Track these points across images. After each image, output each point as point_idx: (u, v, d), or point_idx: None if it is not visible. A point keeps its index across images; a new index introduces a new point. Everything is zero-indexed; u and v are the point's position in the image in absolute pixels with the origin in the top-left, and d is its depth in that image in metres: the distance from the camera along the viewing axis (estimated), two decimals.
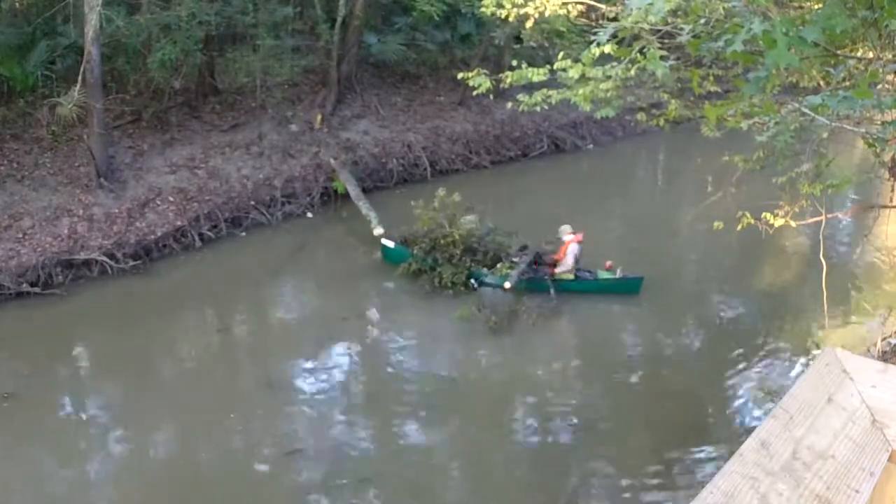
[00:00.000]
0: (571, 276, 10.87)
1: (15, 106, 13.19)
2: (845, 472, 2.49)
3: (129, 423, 8.21)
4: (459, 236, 10.93)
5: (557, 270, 10.88)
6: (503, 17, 7.94)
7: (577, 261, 10.85)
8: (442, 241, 10.93)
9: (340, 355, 9.78)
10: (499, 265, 10.96)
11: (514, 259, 11.09)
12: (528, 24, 7.81)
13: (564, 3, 7.52)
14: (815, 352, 9.64)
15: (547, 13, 7.54)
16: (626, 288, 10.97)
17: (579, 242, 10.86)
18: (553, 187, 16.49)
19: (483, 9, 8.17)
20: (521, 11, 7.68)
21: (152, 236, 11.90)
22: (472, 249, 11.11)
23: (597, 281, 10.95)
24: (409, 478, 7.56)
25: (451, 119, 17.36)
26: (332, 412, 8.50)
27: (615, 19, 6.16)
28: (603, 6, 7.14)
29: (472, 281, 10.81)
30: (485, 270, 10.95)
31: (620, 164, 18.86)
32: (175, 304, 10.87)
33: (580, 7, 7.60)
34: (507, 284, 10.46)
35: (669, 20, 5.77)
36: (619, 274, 10.96)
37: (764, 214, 8.83)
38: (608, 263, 11.07)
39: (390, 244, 11.68)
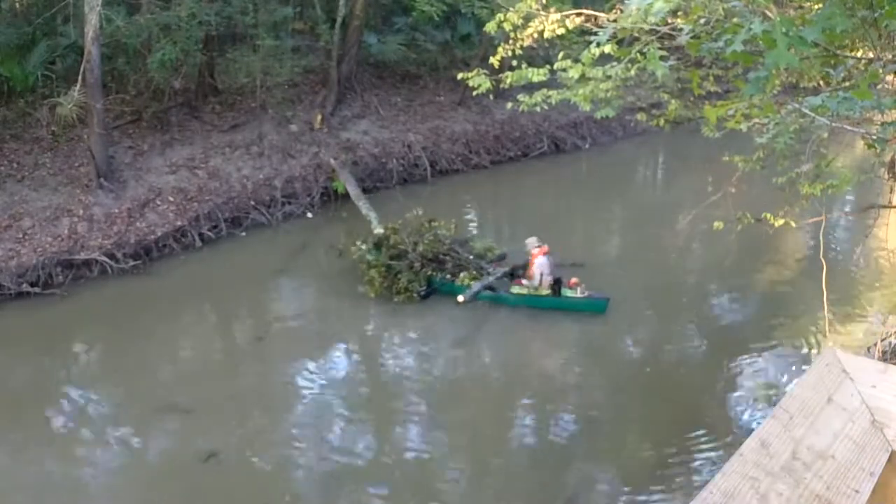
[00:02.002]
0: (546, 292, 10.47)
1: (15, 106, 13.20)
2: (845, 472, 2.49)
3: (128, 422, 8.20)
4: (424, 248, 10.81)
5: (525, 283, 10.56)
6: (507, 31, 7.92)
7: (547, 274, 10.44)
8: (406, 249, 10.80)
9: (336, 357, 9.77)
10: (462, 274, 10.70)
11: (488, 269, 10.82)
12: (528, 42, 7.80)
13: (564, 17, 7.52)
14: (815, 352, 9.64)
15: (546, 34, 7.55)
16: (590, 308, 10.44)
17: (545, 254, 10.50)
18: (553, 187, 16.50)
19: (487, 28, 8.18)
20: (522, 35, 7.67)
21: (152, 236, 11.90)
22: (440, 260, 10.92)
23: (559, 299, 10.46)
24: (413, 479, 7.56)
25: (451, 119, 17.37)
26: (330, 413, 8.50)
27: (615, 20, 6.16)
28: (602, 15, 7.14)
29: (421, 289, 10.55)
30: (448, 277, 10.74)
31: (620, 165, 18.86)
32: (175, 304, 10.87)
33: (578, 20, 7.60)
34: (461, 298, 10.10)
35: (669, 20, 5.77)
36: (580, 293, 10.45)
37: (764, 214, 8.84)
38: (573, 280, 10.63)
39: (362, 248, 11.30)
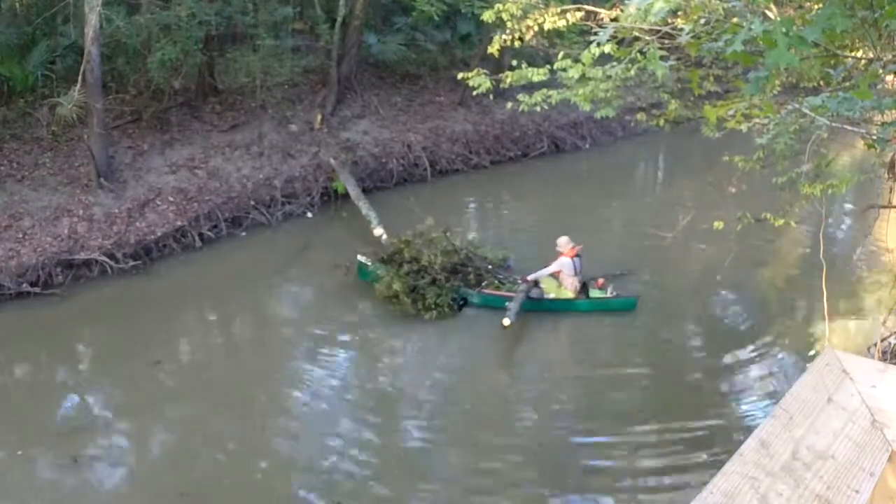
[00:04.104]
0: (569, 295, 10.47)
1: (15, 106, 13.19)
2: (845, 472, 2.49)
3: (129, 423, 8.20)
4: (441, 261, 10.44)
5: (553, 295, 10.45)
6: (505, 25, 7.92)
7: (571, 275, 10.40)
8: (426, 264, 10.42)
9: (338, 359, 9.74)
10: (483, 284, 10.55)
11: (500, 277, 10.73)
12: (528, 35, 7.81)
13: (563, 11, 7.53)
14: (815, 352, 9.63)
15: (546, 26, 7.55)
16: (621, 307, 10.47)
17: (573, 257, 10.39)
18: (553, 188, 16.49)
19: (484, 17, 8.17)
20: (521, 25, 7.68)
21: (152, 236, 11.90)
22: (457, 271, 10.61)
23: (590, 301, 10.48)
24: (411, 481, 7.57)
25: (451, 119, 17.38)
26: (331, 415, 8.49)
27: (616, 19, 6.17)
28: (602, 11, 7.15)
29: (459, 301, 10.32)
30: (480, 288, 10.54)
31: (620, 165, 18.86)
32: (175, 304, 10.86)
33: (578, 14, 7.60)
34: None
35: (669, 20, 5.78)
36: (610, 293, 10.52)
37: (764, 214, 8.83)
38: (600, 281, 10.65)
39: (367, 262, 10.97)
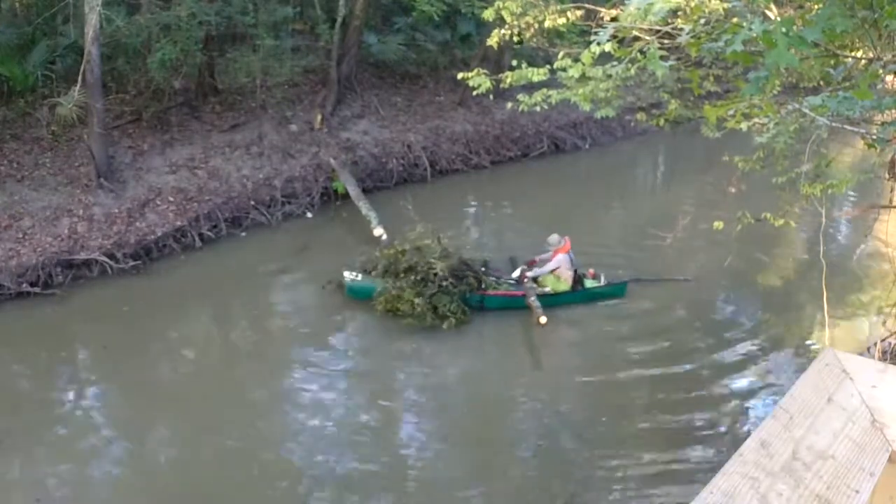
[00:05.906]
0: (564, 288, 10.68)
1: (15, 106, 13.19)
2: (845, 472, 2.49)
3: (128, 423, 8.20)
4: (442, 267, 10.22)
5: (533, 273, 10.70)
6: (505, 23, 7.94)
7: (567, 269, 10.63)
8: (429, 272, 10.20)
9: (339, 361, 9.75)
10: (483, 286, 10.51)
11: (494, 277, 10.84)
12: (528, 34, 7.82)
13: (563, 10, 7.55)
14: (815, 352, 9.63)
15: (546, 24, 7.58)
16: (612, 293, 10.99)
17: (566, 252, 10.65)
18: (553, 188, 16.49)
19: (484, 15, 8.19)
20: (521, 21, 7.70)
21: (152, 236, 11.89)
22: (459, 276, 10.39)
23: (584, 291, 10.81)
24: (419, 480, 7.57)
25: (451, 119, 17.38)
26: (332, 420, 8.50)
27: (616, 19, 6.16)
28: (602, 10, 7.15)
29: (478, 303, 10.29)
30: (476, 293, 10.44)
31: (620, 165, 18.87)
32: (175, 304, 10.86)
33: (578, 13, 7.62)
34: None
35: (669, 20, 5.78)
36: (603, 281, 10.98)
37: (764, 214, 8.83)
38: (591, 271, 11.08)
39: (357, 278, 10.54)
